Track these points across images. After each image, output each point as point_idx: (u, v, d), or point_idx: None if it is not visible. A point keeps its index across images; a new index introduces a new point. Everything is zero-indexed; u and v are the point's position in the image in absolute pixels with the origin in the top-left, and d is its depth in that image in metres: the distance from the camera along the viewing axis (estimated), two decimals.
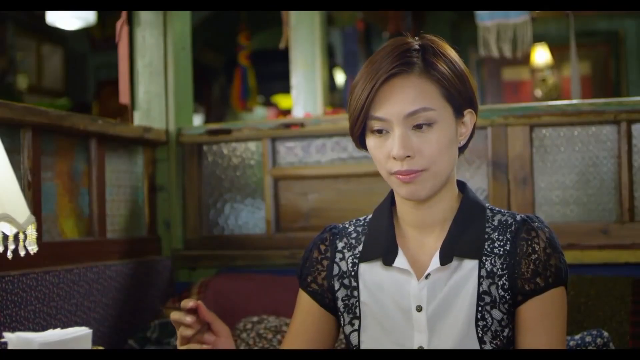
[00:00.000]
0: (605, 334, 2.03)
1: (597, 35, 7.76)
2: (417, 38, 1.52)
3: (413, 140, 1.45)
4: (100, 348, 2.10)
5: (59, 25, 6.46)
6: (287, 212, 3.15)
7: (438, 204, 1.53)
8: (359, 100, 1.46)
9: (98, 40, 8.14)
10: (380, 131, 1.47)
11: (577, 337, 2.01)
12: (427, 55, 1.47)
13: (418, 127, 1.45)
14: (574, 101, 2.89)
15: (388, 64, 1.45)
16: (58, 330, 1.91)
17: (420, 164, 1.45)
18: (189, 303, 1.41)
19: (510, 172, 2.83)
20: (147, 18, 3.26)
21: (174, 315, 1.42)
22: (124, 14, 3.14)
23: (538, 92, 7.97)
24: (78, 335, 1.89)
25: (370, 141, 1.50)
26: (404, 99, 1.44)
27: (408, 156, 1.44)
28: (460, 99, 1.49)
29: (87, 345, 1.92)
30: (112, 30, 3.16)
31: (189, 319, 1.41)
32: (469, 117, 1.53)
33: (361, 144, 1.54)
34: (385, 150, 1.47)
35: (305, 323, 1.63)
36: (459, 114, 1.50)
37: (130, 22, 3.22)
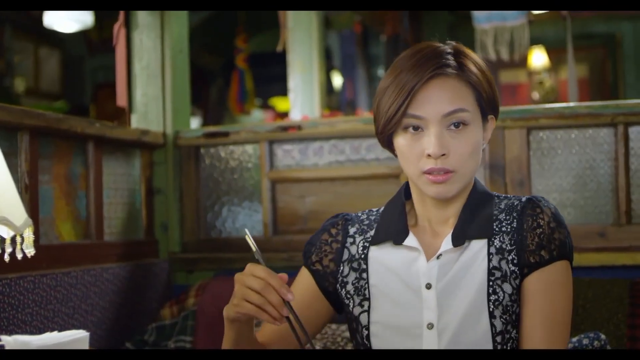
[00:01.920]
0: (603, 336, 2.03)
1: (594, 38, 7.77)
2: (446, 43, 1.58)
3: (448, 139, 1.49)
4: None
5: (56, 28, 6.46)
6: (285, 215, 3.15)
7: (456, 200, 1.58)
8: (397, 97, 1.50)
9: (95, 42, 8.12)
10: (415, 128, 1.51)
11: (574, 339, 2.01)
12: (461, 59, 1.53)
13: (453, 127, 1.50)
14: (571, 104, 2.89)
15: (430, 65, 1.50)
16: (55, 333, 1.90)
17: (452, 164, 1.50)
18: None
19: (507, 174, 2.83)
20: (144, 21, 3.26)
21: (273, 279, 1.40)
22: (121, 16, 3.13)
23: (535, 95, 7.97)
24: (75, 338, 1.88)
25: (401, 139, 1.53)
26: (442, 99, 1.49)
27: (443, 154, 1.49)
28: (487, 103, 1.55)
29: (84, 348, 1.92)
30: (110, 33, 3.15)
31: (290, 296, 1.40)
32: (491, 122, 1.59)
33: (388, 142, 1.58)
34: (419, 149, 1.51)
35: (299, 300, 1.62)
36: (484, 118, 1.56)
37: (128, 25, 3.22)
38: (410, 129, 1.51)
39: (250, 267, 1.42)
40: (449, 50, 1.54)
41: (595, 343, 2.00)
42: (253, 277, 1.40)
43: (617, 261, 2.68)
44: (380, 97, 1.54)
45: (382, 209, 1.68)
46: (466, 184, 1.55)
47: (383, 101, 1.53)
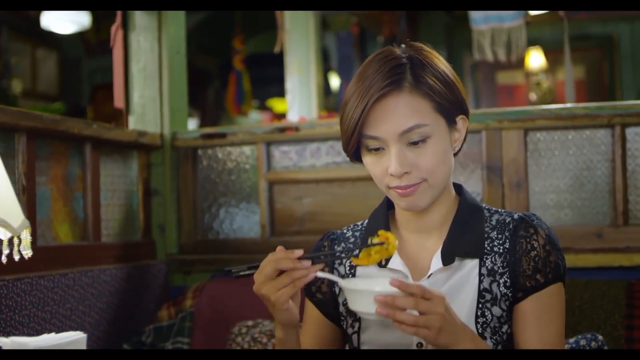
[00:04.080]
0: (600, 337, 2.03)
1: (591, 39, 7.78)
2: (403, 46, 1.53)
3: (409, 156, 1.46)
4: None
5: (54, 29, 6.45)
6: (282, 216, 3.15)
7: (436, 207, 1.55)
8: (351, 119, 1.46)
9: (93, 44, 8.12)
10: (376, 149, 1.48)
11: (571, 340, 2.02)
12: (416, 70, 1.47)
13: (413, 143, 1.46)
14: (568, 105, 2.90)
15: (379, 83, 1.45)
16: (52, 335, 1.90)
17: (418, 177, 1.47)
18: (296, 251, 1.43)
19: (504, 176, 2.83)
20: (141, 22, 3.26)
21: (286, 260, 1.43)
22: (118, 18, 3.14)
23: (532, 96, 7.98)
24: (72, 340, 1.88)
25: (367, 158, 1.52)
26: (398, 117, 1.45)
27: (406, 172, 1.46)
28: (451, 108, 1.50)
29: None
30: (107, 34, 3.16)
31: (297, 252, 1.43)
32: (461, 123, 1.54)
33: (355, 157, 1.56)
34: (382, 167, 1.49)
35: (314, 334, 1.64)
36: (451, 122, 1.51)
37: (125, 27, 3.22)
38: (372, 149, 1.48)
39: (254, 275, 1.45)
40: (404, 61, 1.47)
41: (593, 344, 2.00)
42: (258, 272, 1.44)
43: (614, 262, 2.68)
44: (342, 113, 1.51)
45: (366, 221, 1.66)
46: (439, 191, 1.51)
47: (343, 118, 1.50)
